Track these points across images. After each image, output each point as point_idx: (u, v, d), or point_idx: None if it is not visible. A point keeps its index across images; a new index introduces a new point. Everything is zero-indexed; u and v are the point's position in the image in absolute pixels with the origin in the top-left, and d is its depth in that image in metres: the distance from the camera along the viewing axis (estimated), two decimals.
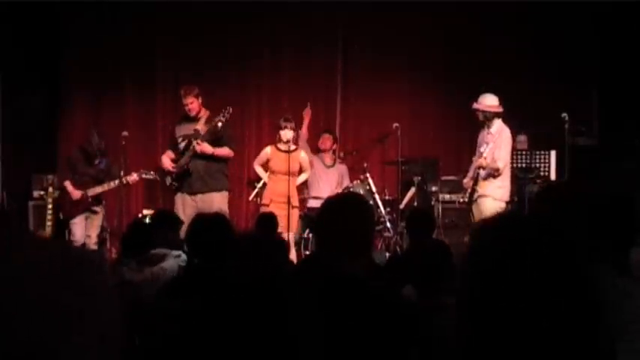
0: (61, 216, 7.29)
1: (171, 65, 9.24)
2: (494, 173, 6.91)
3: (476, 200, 7.01)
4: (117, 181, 7.28)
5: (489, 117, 7.02)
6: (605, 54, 8.66)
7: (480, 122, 7.08)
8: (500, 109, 7.10)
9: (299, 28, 9.25)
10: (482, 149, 6.95)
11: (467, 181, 7.28)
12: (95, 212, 7.40)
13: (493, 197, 6.91)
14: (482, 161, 6.82)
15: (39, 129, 8.82)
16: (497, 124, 7.08)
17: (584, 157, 7.64)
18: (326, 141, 8.39)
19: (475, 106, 7.08)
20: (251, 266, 3.55)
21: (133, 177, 7.33)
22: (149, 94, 9.29)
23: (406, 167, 8.18)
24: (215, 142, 7.20)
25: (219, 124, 7.22)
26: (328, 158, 8.37)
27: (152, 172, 7.44)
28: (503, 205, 6.99)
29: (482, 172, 6.90)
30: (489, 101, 7.09)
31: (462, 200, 7.38)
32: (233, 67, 9.22)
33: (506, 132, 7.05)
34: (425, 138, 9.21)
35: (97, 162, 7.43)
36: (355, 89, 9.36)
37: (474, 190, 7.00)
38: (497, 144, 6.92)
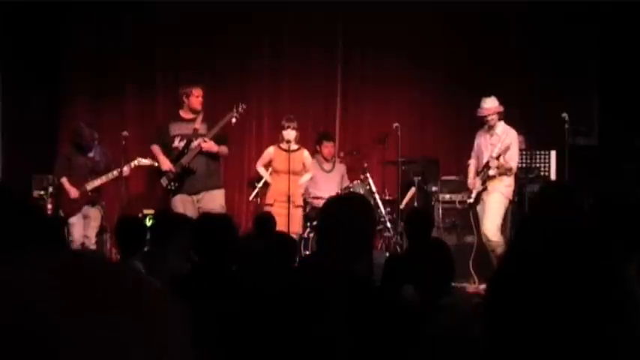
0: (62, 214, 7.29)
1: (171, 65, 9.23)
2: (507, 173, 7.00)
3: (483, 198, 7.10)
4: (115, 172, 7.30)
5: (502, 117, 7.14)
6: (605, 54, 8.66)
7: (490, 125, 7.14)
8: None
9: (299, 28, 9.24)
10: (489, 151, 7.04)
11: (472, 182, 7.29)
12: (94, 205, 7.39)
13: (500, 192, 7.02)
14: (498, 163, 6.92)
15: (39, 129, 8.81)
16: (502, 125, 7.14)
17: (584, 157, 7.64)
18: (329, 148, 8.34)
19: (485, 111, 7.11)
20: (256, 268, 3.55)
21: (130, 165, 7.33)
22: (149, 94, 9.28)
23: (406, 167, 8.17)
24: (216, 139, 7.24)
25: (234, 120, 7.31)
26: (327, 164, 8.34)
27: (149, 158, 7.45)
28: (507, 202, 7.06)
29: (492, 172, 7.00)
30: (495, 103, 7.17)
31: (468, 201, 7.38)
32: (233, 67, 9.22)
33: (513, 132, 7.13)
34: (425, 138, 9.20)
35: (91, 154, 7.44)
36: (355, 89, 9.34)
37: (484, 189, 7.09)
38: (506, 144, 6.99)
